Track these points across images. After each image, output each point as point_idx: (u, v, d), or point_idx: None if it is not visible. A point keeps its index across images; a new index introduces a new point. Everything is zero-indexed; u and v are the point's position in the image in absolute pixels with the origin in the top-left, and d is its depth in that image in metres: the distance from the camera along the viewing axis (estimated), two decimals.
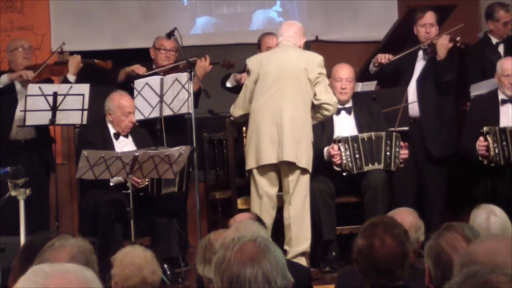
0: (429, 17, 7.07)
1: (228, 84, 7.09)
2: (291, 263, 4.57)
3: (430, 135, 7.03)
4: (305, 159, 6.01)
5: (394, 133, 6.51)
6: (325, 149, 6.44)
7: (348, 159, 6.36)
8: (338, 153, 6.35)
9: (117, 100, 6.39)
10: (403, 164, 6.51)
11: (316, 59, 6.15)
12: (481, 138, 6.40)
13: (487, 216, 3.67)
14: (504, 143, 6.39)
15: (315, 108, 6.13)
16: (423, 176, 7.08)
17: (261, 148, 6.01)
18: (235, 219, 4.46)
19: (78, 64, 6.88)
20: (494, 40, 7.37)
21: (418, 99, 7.02)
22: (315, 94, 6.07)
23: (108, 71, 7.02)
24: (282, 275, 2.25)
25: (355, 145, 6.38)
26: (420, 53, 7.11)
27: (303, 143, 6.00)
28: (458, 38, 6.92)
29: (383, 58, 7.02)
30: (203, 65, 6.92)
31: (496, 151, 6.38)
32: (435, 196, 7.05)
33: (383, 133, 6.47)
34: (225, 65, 7.11)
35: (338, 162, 6.36)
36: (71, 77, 6.84)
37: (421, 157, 7.03)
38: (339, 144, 6.36)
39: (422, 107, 7.01)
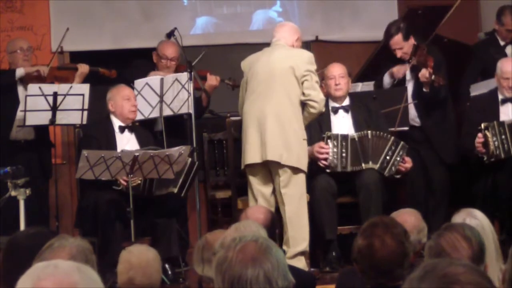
0: (394, 43, 6.98)
1: None
2: (295, 269, 4.57)
3: (441, 143, 7.01)
4: (295, 158, 6.01)
5: (402, 142, 6.47)
6: (309, 147, 6.41)
7: (334, 156, 6.36)
8: (326, 149, 6.35)
9: (116, 90, 6.42)
10: (399, 176, 6.50)
11: (303, 57, 6.14)
12: (479, 135, 6.40)
13: (464, 218, 3.68)
14: (503, 136, 6.39)
15: (304, 106, 6.13)
16: (431, 178, 7.07)
17: (247, 149, 6.06)
18: (246, 212, 4.47)
19: (85, 75, 6.88)
20: (502, 42, 7.35)
21: (417, 113, 6.99)
22: (303, 92, 6.07)
23: (113, 81, 6.99)
24: (283, 276, 2.25)
25: (344, 143, 6.38)
26: (408, 73, 7.06)
27: (292, 142, 6.00)
28: (433, 77, 6.77)
29: (400, 73, 6.98)
30: (215, 85, 6.95)
31: (496, 145, 6.38)
32: (441, 197, 7.06)
33: (392, 137, 6.45)
34: (230, 83, 7.12)
35: (323, 157, 6.34)
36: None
37: (429, 162, 7.03)
38: (328, 140, 6.37)
39: (423, 120, 6.98)
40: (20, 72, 6.77)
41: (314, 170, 6.33)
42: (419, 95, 6.93)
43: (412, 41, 6.99)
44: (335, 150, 6.36)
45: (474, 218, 3.66)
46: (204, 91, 6.85)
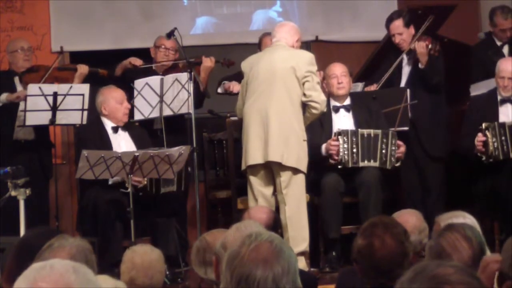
0: (394, 27, 7.05)
1: (219, 90, 7.15)
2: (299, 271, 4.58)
3: (427, 136, 7.03)
4: (294, 159, 6.01)
5: (390, 131, 6.51)
6: (324, 145, 6.44)
7: (345, 152, 6.37)
8: (337, 145, 6.36)
9: (107, 92, 6.41)
10: (399, 163, 6.51)
11: (304, 57, 6.14)
12: (480, 134, 6.41)
13: (464, 217, 3.68)
14: (503, 137, 6.40)
15: (305, 107, 6.14)
16: (425, 176, 7.08)
17: (249, 149, 6.05)
18: (249, 212, 4.47)
19: (85, 76, 6.87)
20: (499, 42, 7.37)
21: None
22: (304, 93, 6.07)
23: (112, 81, 6.98)
24: (292, 282, 2.22)
25: (354, 139, 6.39)
26: (405, 58, 7.11)
27: (292, 143, 6.00)
28: (430, 47, 6.86)
29: (372, 87, 7.07)
30: (210, 66, 6.93)
31: (495, 146, 6.39)
32: (437, 196, 7.06)
33: (379, 131, 6.48)
34: (226, 63, 7.13)
35: (335, 153, 6.36)
36: None
37: (420, 157, 7.04)
38: (339, 136, 6.38)
39: (415, 110, 7.00)
40: (2, 98, 6.75)
41: (321, 169, 6.34)
42: (416, 75, 6.95)
43: (412, 30, 7.04)
44: (345, 146, 6.37)
45: (464, 218, 3.67)
46: (204, 91, 6.84)
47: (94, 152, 5.81)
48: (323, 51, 8.05)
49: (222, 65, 7.13)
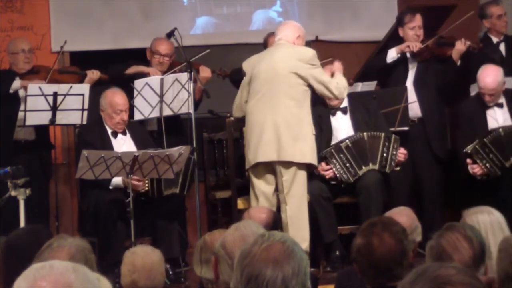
0: (419, 19, 7.10)
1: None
2: None
3: (435, 135, 7.03)
4: (308, 155, 6.03)
5: (393, 135, 6.50)
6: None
7: (341, 171, 6.36)
8: (329, 169, 6.35)
9: (109, 97, 6.40)
10: (399, 167, 6.51)
11: (306, 54, 6.14)
12: (468, 160, 6.42)
13: (488, 213, 3.67)
14: (491, 155, 6.41)
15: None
16: (423, 176, 7.07)
17: (253, 149, 6.05)
18: (249, 212, 4.48)
19: (94, 81, 6.86)
20: (495, 40, 7.38)
21: (418, 100, 7.02)
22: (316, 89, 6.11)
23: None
24: (301, 284, 2.21)
25: (342, 155, 6.38)
26: (409, 56, 7.11)
27: (301, 139, 6.01)
28: (469, 44, 6.91)
29: (415, 47, 7.00)
30: (207, 76, 6.94)
31: (488, 166, 6.39)
32: (436, 196, 7.06)
33: (382, 134, 6.46)
34: (221, 74, 7.15)
35: (332, 176, 6.36)
36: None
37: (422, 156, 7.02)
38: (327, 160, 6.37)
39: (424, 108, 7.00)
40: (16, 85, 6.75)
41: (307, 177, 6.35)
42: (424, 73, 6.97)
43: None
44: (338, 166, 6.36)
45: (488, 214, 3.65)
46: (204, 91, 6.84)
47: (94, 152, 5.81)
48: (323, 51, 8.01)
49: (218, 76, 7.16)
